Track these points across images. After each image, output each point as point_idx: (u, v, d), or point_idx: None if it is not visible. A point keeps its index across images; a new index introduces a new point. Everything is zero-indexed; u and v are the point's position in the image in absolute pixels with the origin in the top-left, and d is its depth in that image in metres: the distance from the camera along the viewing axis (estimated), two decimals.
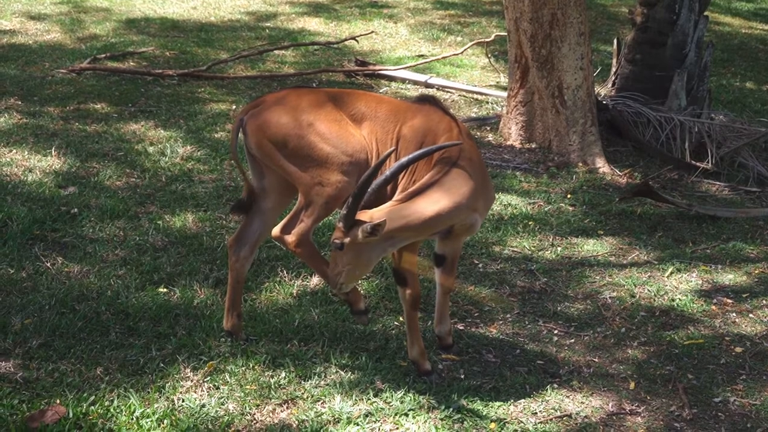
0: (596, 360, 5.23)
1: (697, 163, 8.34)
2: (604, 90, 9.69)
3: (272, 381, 4.75)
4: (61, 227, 6.23)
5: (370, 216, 4.37)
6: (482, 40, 11.80)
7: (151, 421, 4.36)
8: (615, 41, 9.72)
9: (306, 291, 5.72)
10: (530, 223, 6.96)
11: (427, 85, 10.34)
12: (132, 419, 4.36)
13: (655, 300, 5.95)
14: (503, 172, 8.01)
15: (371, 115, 4.77)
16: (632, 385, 4.99)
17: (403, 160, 4.45)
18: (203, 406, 4.51)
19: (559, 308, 5.79)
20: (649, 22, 9.22)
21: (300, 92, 4.89)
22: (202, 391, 4.65)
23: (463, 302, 5.76)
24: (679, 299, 5.96)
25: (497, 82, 10.75)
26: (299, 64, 10.97)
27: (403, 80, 10.50)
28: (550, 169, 8.19)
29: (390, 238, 4.45)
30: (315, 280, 5.81)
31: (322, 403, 4.62)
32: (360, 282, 5.42)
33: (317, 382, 4.78)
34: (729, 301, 6.00)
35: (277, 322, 5.33)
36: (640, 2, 9.34)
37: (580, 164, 8.29)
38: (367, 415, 4.52)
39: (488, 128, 9.16)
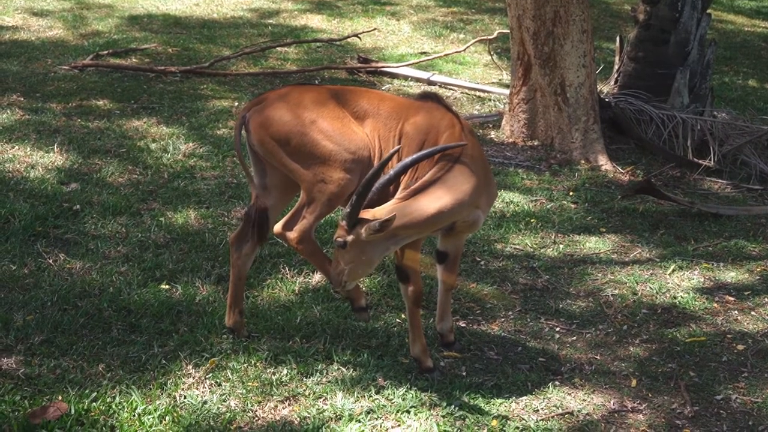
0: (598, 357, 5.23)
1: (700, 161, 8.34)
2: (606, 87, 9.68)
3: (274, 378, 4.76)
4: (63, 224, 6.23)
5: (372, 215, 4.37)
6: (485, 37, 11.79)
7: (153, 417, 4.36)
8: (617, 39, 9.70)
9: (308, 288, 5.73)
10: (532, 220, 6.96)
11: (430, 83, 10.34)
12: (134, 416, 4.36)
13: (657, 297, 5.95)
14: (505, 170, 8.01)
15: (374, 113, 4.77)
16: (634, 383, 4.99)
17: (407, 160, 4.45)
18: (205, 402, 4.52)
19: (561, 306, 5.79)
20: (652, 20, 9.20)
21: (302, 89, 4.88)
22: (203, 387, 4.65)
23: (465, 299, 5.76)
24: (681, 297, 5.96)
25: (500, 80, 10.76)
26: (302, 61, 10.97)
27: (406, 77, 10.50)
28: (552, 166, 8.19)
29: (393, 236, 4.45)
30: (317, 278, 5.81)
31: (323, 399, 4.62)
32: (362, 279, 5.41)
33: (319, 379, 4.78)
34: (731, 298, 6.00)
35: (278, 319, 5.33)
36: (642, 0, 9.32)
37: (583, 162, 8.28)
38: (368, 412, 4.52)
39: (490, 126, 9.16)
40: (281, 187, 4.88)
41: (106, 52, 10.49)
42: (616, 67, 9.67)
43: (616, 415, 4.71)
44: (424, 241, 5.29)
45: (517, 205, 7.24)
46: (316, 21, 13.04)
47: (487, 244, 6.52)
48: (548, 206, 7.30)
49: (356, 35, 11.76)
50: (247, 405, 4.54)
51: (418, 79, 10.43)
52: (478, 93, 10.22)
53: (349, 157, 4.63)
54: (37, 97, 8.85)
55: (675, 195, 7.59)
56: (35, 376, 4.61)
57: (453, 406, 4.60)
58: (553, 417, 4.64)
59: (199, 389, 4.63)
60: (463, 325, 5.48)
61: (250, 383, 4.69)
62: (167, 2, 13.44)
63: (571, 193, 7.60)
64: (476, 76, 10.97)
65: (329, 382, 4.76)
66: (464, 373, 4.96)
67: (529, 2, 8.29)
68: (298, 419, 4.46)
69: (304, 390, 4.68)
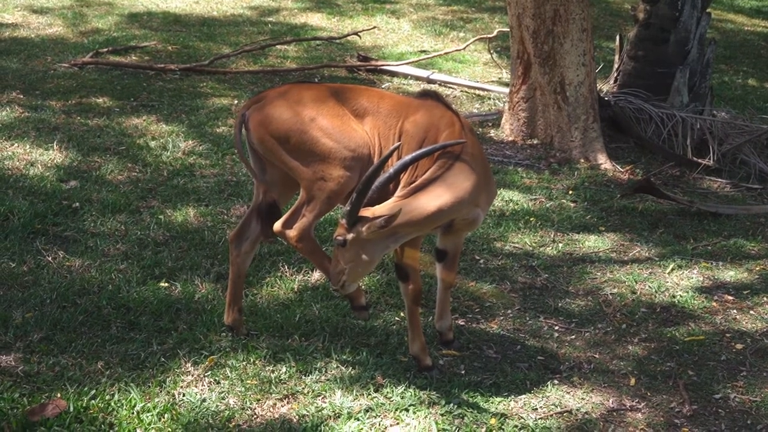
0: (597, 356, 5.23)
1: (699, 160, 8.34)
2: (606, 86, 9.68)
3: (273, 376, 4.76)
4: (62, 221, 6.23)
5: (372, 213, 4.37)
6: (485, 36, 11.79)
7: (152, 415, 4.36)
8: (617, 38, 9.71)
9: (307, 286, 5.73)
10: (531, 219, 6.96)
11: (430, 81, 10.34)
12: (133, 413, 4.36)
13: (655, 296, 5.95)
14: (505, 168, 8.01)
15: (373, 111, 4.76)
16: (633, 382, 4.99)
17: (407, 158, 4.45)
18: (204, 400, 4.52)
19: (560, 304, 5.79)
20: (652, 19, 9.21)
21: (302, 87, 4.88)
22: (202, 385, 4.65)
23: (464, 298, 5.76)
24: (680, 296, 5.96)
25: (499, 78, 10.76)
26: (301, 59, 10.97)
27: (406, 76, 10.50)
28: (551, 165, 8.19)
29: (393, 234, 4.45)
30: (316, 276, 5.81)
31: (322, 398, 4.62)
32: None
33: (318, 377, 4.78)
34: (730, 297, 6.00)
35: (278, 317, 5.33)
36: None
37: (582, 160, 8.29)
38: (367, 410, 4.52)
39: (490, 124, 9.16)
40: (281, 184, 4.88)
41: (105, 49, 10.49)
42: (616, 65, 9.68)
43: (614, 413, 4.71)
44: (424, 239, 5.30)
45: (517, 204, 7.24)
46: (315, 19, 13.03)
47: (487, 243, 6.52)
48: (547, 205, 7.30)
49: (356, 33, 11.76)
50: (246, 403, 4.54)
51: (417, 78, 10.43)
52: (477, 91, 10.22)
53: (348, 155, 4.63)
54: (37, 94, 8.84)
55: (674, 194, 7.59)
56: (34, 374, 4.61)
57: (452, 405, 4.60)
58: (551, 415, 4.64)
59: (198, 387, 4.63)
60: (462, 323, 5.48)
61: (248, 381, 4.69)
62: (167, 0, 13.43)
63: (570, 192, 7.60)
64: (476, 74, 10.97)
65: (328, 380, 4.76)
66: (463, 372, 4.96)
67: (529, 1, 8.29)
68: (297, 417, 4.46)
69: (303, 388, 4.69)
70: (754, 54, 13.09)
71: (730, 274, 6.32)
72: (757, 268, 6.44)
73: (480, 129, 8.96)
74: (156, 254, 5.92)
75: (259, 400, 4.57)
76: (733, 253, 6.65)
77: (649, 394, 4.89)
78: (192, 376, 4.71)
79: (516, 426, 4.52)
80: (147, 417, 4.35)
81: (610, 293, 5.96)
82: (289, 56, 11.07)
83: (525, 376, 4.94)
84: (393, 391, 4.69)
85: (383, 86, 10.09)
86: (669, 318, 5.71)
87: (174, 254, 5.94)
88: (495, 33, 11.73)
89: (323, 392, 4.66)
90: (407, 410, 4.55)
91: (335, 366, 4.89)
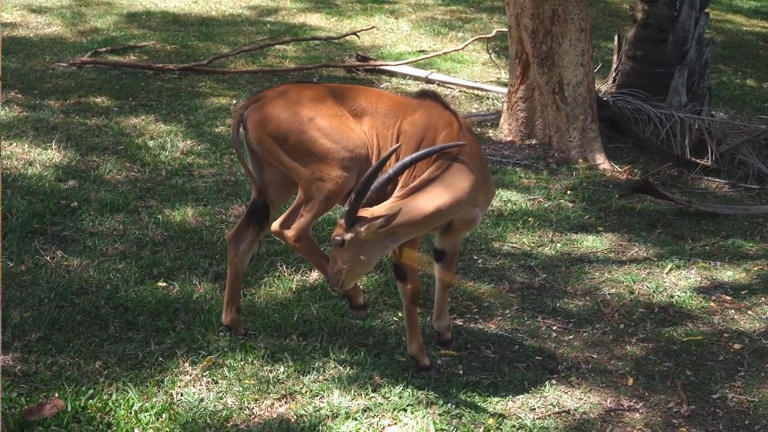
0: (595, 356, 5.23)
1: (697, 160, 8.34)
2: (604, 86, 9.69)
3: (271, 376, 4.76)
4: (60, 221, 6.23)
5: (371, 213, 4.38)
6: (483, 36, 11.79)
7: (150, 415, 4.36)
8: (616, 38, 9.72)
9: (305, 286, 5.73)
10: (530, 219, 6.97)
11: (428, 81, 10.34)
12: (130, 413, 4.36)
13: (654, 296, 5.96)
14: (503, 168, 8.01)
15: (372, 111, 4.77)
16: (630, 382, 4.99)
17: (406, 159, 4.45)
18: (202, 400, 4.52)
19: (558, 304, 5.79)
20: (650, 19, 9.22)
21: (300, 87, 4.88)
22: (200, 385, 4.65)
23: (463, 298, 5.76)
24: (678, 296, 5.97)
25: (498, 78, 10.76)
26: (300, 59, 10.96)
27: (404, 76, 10.50)
28: (550, 165, 8.19)
29: (391, 234, 4.45)
30: (314, 275, 5.81)
31: (320, 397, 4.63)
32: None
33: (316, 376, 4.78)
34: (728, 297, 6.00)
35: (276, 316, 5.33)
36: None
37: (580, 161, 8.29)
38: (365, 410, 4.53)
39: (489, 124, 9.16)
40: (278, 184, 4.88)
41: (104, 49, 10.48)
42: (614, 65, 9.69)
43: (612, 413, 4.71)
44: (422, 239, 5.29)
45: (515, 204, 7.24)
46: (314, 19, 13.03)
47: (485, 243, 6.52)
48: (546, 205, 7.30)
49: (355, 33, 11.76)
50: (244, 403, 4.54)
51: (416, 78, 10.43)
52: (476, 91, 10.22)
53: (347, 155, 4.63)
54: (36, 94, 8.84)
55: (672, 194, 7.60)
56: (32, 373, 4.61)
57: (450, 405, 4.60)
58: (549, 415, 4.64)
59: (196, 387, 4.63)
60: (460, 323, 5.48)
61: (246, 381, 4.69)
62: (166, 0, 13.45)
63: (568, 192, 7.60)
64: (474, 74, 10.97)
65: (326, 380, 4.77)
66: (461, 372, 4.96)
67: (528, 1, 8.29)
68: (295, 417, 4.46)
69: (301, 388, 4.69)
70: (753, 54, 13.10)
71: (728, 274, 6.32)
72: (755, 268, 6.44)
73: (478, 129, 8.96)
74: (154, 254, 5.92)
75: (257, 399, 4.57)
76: (731, 253, 6.66)
77: (647, 394, 4.89)
78: (190, 375, 4.71)
79: (514, 426, 4.52)
80: (145, 417, 4.35)
81: (608, 293, 5.96)
82: (288, 56, 11.07)
83: (523, 376, 4.95)
84: (391, 391, 4.69)
85: (382, 86, 10.09)
86: (667, 318, 5.71)
87: (172, 254, 5.94)
88: (494, 33, 11.72)
89: (321, 392, 4.66)
90: (405, 410, 4.55)
91: (333, 366, 4.89)
